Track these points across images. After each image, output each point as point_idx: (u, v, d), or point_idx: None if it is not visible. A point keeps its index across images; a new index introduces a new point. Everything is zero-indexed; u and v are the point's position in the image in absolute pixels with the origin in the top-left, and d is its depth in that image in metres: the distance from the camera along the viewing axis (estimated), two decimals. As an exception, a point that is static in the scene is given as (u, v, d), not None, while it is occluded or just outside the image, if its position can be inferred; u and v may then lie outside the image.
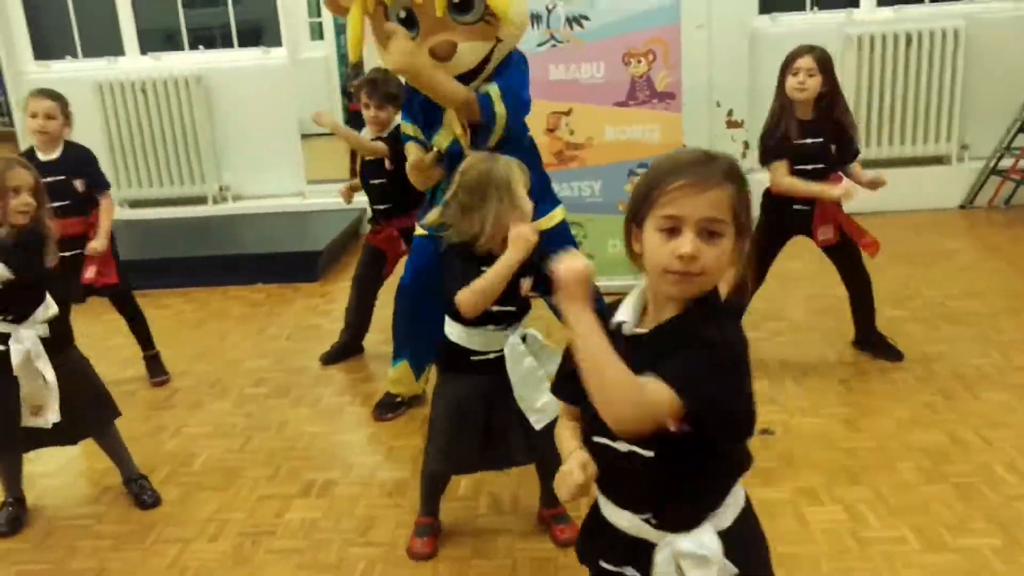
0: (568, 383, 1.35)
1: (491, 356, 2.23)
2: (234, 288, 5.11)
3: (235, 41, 6.62)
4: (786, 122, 3.17)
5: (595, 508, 1.42)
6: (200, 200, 6.41)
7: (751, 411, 1.26)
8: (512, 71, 2.85)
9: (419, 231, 2.99)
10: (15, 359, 2.54)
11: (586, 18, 4.24)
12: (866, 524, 2.43)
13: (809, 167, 3.18)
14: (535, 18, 4.26)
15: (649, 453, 1.27)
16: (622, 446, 1.29)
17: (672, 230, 1.23)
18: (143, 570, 2.47)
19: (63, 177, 3.52)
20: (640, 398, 1.16)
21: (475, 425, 2.24)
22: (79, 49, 6.58)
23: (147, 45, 6.53)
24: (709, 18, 5.83)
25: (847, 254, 3.38)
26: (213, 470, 3.01)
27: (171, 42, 6.70)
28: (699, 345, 1.20)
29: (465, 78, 2.75)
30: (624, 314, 1.30)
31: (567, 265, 1.21)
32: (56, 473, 3.04)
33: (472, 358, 2.24)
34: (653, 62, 4.27)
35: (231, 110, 6.30)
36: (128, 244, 6.14)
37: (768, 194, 3.37)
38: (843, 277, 3.44)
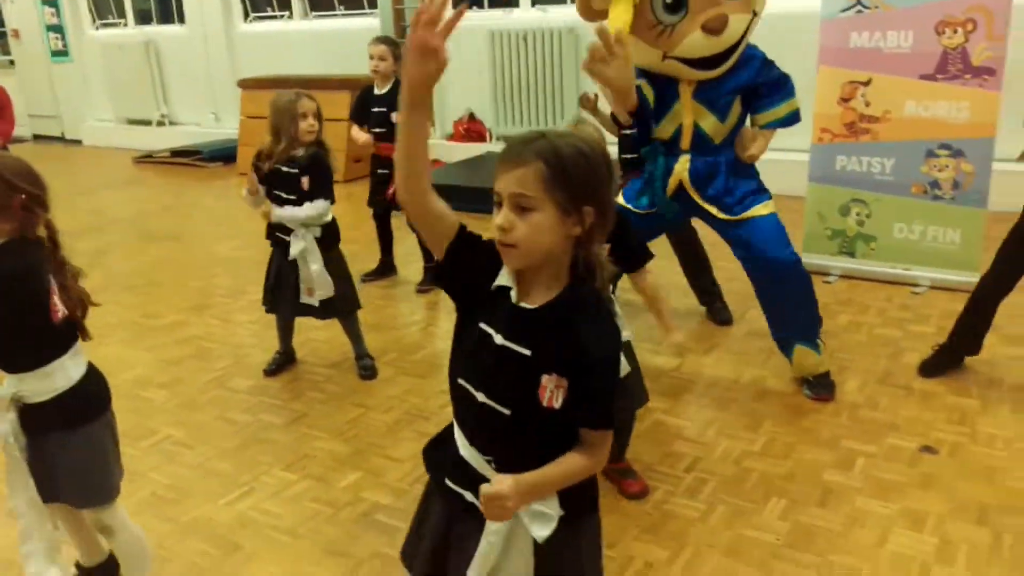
0: (465, 239, 1.39)
1: None
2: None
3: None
4: None
5: (449, 428, 1.50)
6: (558, 141, 7.04)
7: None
8: (772, 71, 3.04)
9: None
10: (293, 250, 3.31)
11: (900, -19, 3.89)
12: (949, 562, 2.17)
13: None
14: (841, -19, 4.03)
15: (506, 411, 1.36)
16: (481, 396, 1.38)
17: (499, 204, 1.33)
18: (329, 419, 3.13)
19: (384, 109, 4.30)
20: (597, 468, 1.39)
21: None
22: (485, 1, 7.54)
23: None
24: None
25: None
26: (424, 362, 3.59)
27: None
28: (602, 364, 1.34)
29: (727, 52, 2.87)
30: (505, 279, 1.37)
31: (486, 498, 1.31)
32: (324, 340, 3.86)
33: None
34: (972, 32, 3.78)
35: (595, 61, 6.78)
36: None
37: None
38: None
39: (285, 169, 3.24)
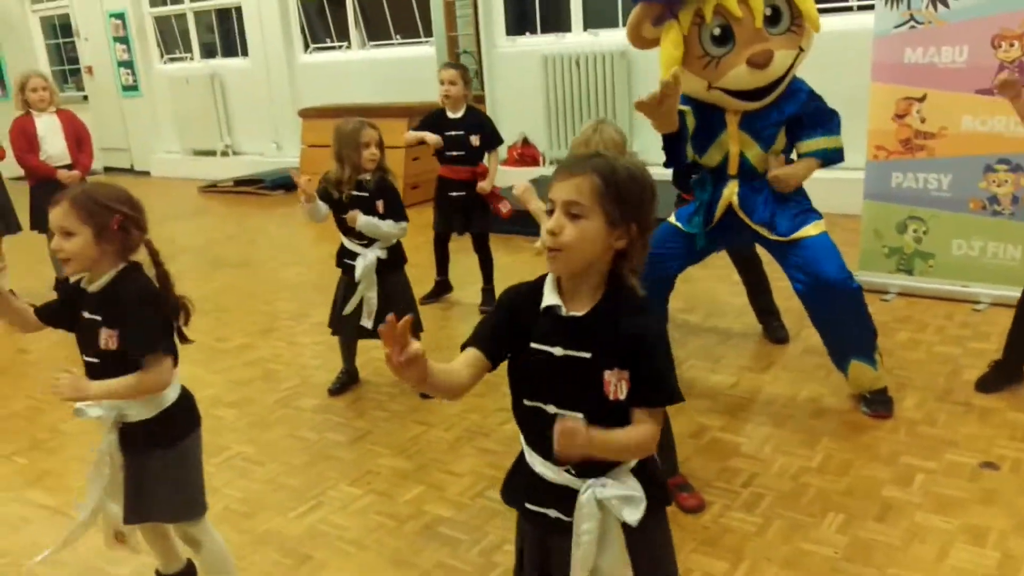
0: (488, 341, 1.54)
1: None
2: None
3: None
4: None
5: (520, 457, 1.59)
6: (611, 164, 7.12)
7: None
8: (817, 103, 3.07)
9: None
10: (358, 272, 3.44)
11: (953, -3, 3.90)
12: (1011, 577, 2.17)
13: None
14: (894, 0, 4.04)
15: (579, 414, 1.43)
16: (552, 409, 1.47)
17: (551, 212, 1.46)
18: (392, 437, 3.23)
19: (462, 132, 4.43)
20: (652, 442, 1.46)
21: None
22: (538, 26, 7.68)
23: (595, 22, 7.36)
24: None
25: None
26: (484, 381, 3.59)
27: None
28: (656, 347, 1.44)
29: (772, 86, 2.95)
30: (551, 299, 1.49)
31: (567, 439, 1.37)
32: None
33: None
34: (1029, 46, 3.76)
35: (648, 83, 6.84)
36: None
37: None
38: None
39: (356, 194, 3.38)
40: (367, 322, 3.50)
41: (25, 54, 11.56)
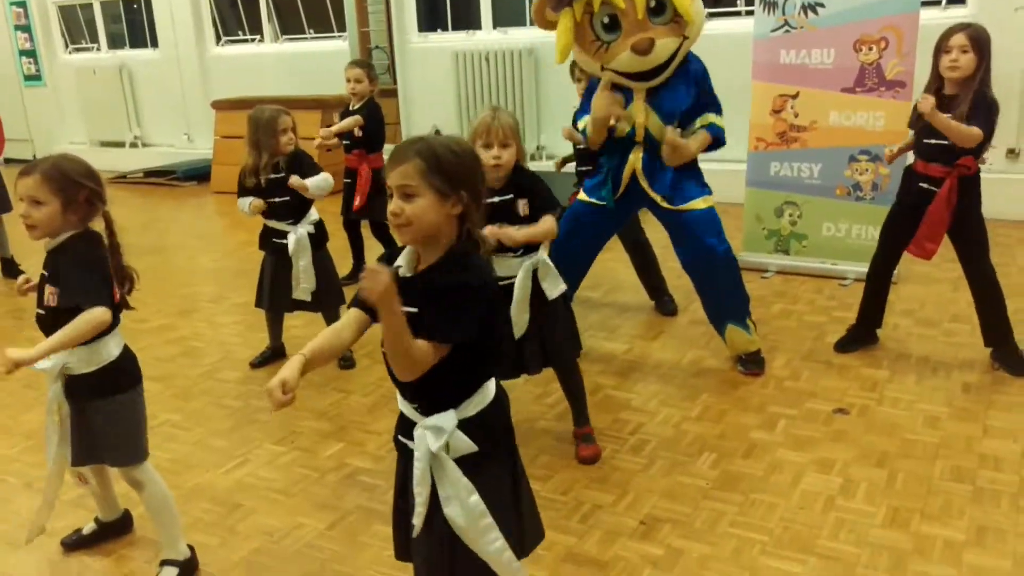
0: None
1: (508, 283, 2.69)
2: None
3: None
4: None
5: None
6: (520, 156, 7.44)
7: (492, 334, 1.69)
8: (708, 82, 3.34)
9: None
10: (291, 247, 3.65)
11: (821, 5, 4.35)
12: (850, 496, 2.56)
13: (933, 141, 3.16)
14: (771, 6, 4.48)
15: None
16: None
17: (391, 196, 1.64)
18: (313, 402, 3.46)
19: None
20: (416, 367, 1.58)
21: None
22: (449, 23, 7.95)
23: (504, 20, 7.67)
24: (1033, 0, 5.35)
25: (969, 247, 3.29)
26: None
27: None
28: (449, 290, 1.59)
29: (658, 69, 3.26)
30: (401, 261, 1.69)
31: (370, 281, 1.46)
32: (306, 336, 4.17)
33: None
34: (885, 50, 4.24)
35: (553, 79, 7.19)
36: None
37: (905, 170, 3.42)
38: (965, 273, 3.35)
39: (273, 176, 3.58)
40: (298, 294, 3.71)
41: (-81, 41, 11.18)
